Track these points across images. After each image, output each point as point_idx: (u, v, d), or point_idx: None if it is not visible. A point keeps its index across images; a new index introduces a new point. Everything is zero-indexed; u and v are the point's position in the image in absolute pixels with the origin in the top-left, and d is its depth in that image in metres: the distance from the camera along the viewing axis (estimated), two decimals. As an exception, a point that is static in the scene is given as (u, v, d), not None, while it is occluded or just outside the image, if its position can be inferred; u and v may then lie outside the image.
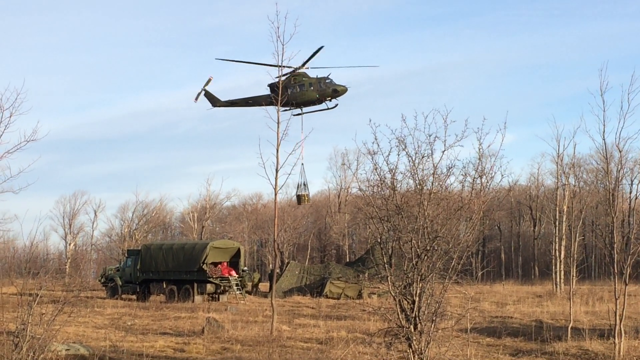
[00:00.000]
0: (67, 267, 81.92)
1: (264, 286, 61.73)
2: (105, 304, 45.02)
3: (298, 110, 46.27)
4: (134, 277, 52.92)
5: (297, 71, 45.17)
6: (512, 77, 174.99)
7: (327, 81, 45.47)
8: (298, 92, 45.54)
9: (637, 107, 22.12)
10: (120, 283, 53.63)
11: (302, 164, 46.52)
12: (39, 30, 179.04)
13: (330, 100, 45.79)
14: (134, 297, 52.58)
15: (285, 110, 46.51)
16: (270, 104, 46.76)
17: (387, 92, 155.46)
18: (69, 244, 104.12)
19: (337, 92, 45.36)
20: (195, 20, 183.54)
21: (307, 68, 45.06)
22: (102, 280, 56.49)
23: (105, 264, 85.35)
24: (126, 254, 59.91)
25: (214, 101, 46.03)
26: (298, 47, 57.67)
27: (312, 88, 45.51)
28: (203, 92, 46.09)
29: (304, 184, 45.03)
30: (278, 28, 30.08)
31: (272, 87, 46.37)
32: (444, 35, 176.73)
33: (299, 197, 45.59)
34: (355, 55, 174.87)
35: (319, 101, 45.79)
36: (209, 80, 45.90)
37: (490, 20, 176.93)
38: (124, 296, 52.81)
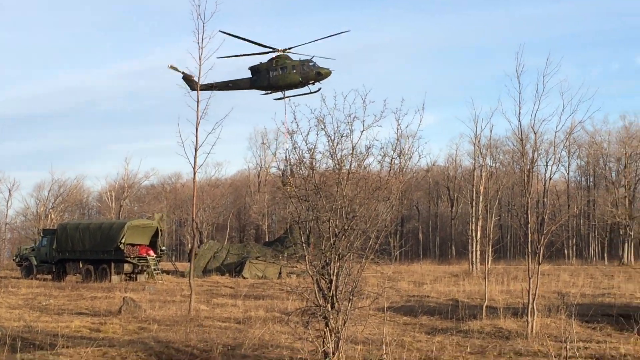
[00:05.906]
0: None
1: (182, 266, 61.38)
2: (19, 284, 44.27)
3: (280, 94, 45.23)
4: (49, 257, 52.17)
5: (280, 53, 44.17)
6: (437, 59, 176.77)
7: (310, 64, 44.11)
8: (280, 74, 44.15)
9: (552, 89, 22.49)
10: (36, 263, 52.88)
11: (287, 149, 45.77)
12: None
13: (313, 84, 44.66)
14: (49, 277, 51.85)
15: (267, 93, 45.65)
16: (251, 87, 45.88)
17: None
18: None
19: (320, 75, 44.05)
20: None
21: (290, 51, 43.98)
22: (17, 260, 55.62)
23: (20, 243, 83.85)
24: (42, 234, 59.03)
25: (192, 84, 44.78)
26: (220, 25, 56.96)
27: (294, 71, 44.06)
28: (181, 75, 44.67)
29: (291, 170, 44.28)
30: (199, 6, 29.66)
31: (254, 70, 45.32)
32: (370, 16, 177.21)
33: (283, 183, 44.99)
34: (281, 36, 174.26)
35: (302, 84, 44.48)
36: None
37: (415, 0, 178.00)
38: (39, 276, 52.07)
